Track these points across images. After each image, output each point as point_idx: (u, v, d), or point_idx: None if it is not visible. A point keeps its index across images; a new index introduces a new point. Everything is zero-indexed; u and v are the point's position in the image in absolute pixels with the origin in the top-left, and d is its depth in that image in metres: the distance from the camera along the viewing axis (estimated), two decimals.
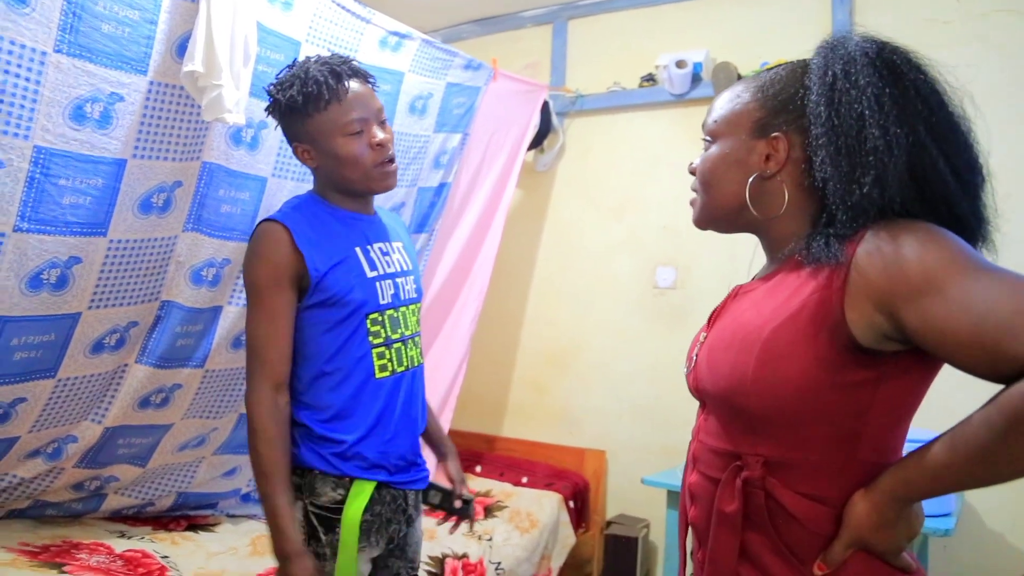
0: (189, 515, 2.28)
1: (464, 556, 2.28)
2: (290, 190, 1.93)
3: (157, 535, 2.08)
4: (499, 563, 2.37)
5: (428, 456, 1.95)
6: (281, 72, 1.49)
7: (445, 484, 1.70)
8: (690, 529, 1.08)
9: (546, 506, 2.68)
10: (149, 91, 1.56)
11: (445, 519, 1.71)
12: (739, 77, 2.74)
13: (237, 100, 1.61)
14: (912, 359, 0.88)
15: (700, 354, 1.06)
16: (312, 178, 1.58)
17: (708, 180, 1.06)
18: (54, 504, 2.01)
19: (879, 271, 0.85)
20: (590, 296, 3.13)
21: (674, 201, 2.86)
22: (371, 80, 1.53)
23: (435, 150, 2.40)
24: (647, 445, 2.90)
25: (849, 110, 0.91)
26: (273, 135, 1.84)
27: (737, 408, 0.96)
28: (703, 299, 2.83)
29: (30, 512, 2.00)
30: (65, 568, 1.72)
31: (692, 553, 1.09)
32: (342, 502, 1.46)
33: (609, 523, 2.82)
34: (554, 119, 3.12)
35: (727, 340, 0.99)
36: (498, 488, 2.82)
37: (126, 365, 1.85)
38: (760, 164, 1.00)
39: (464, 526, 1.74)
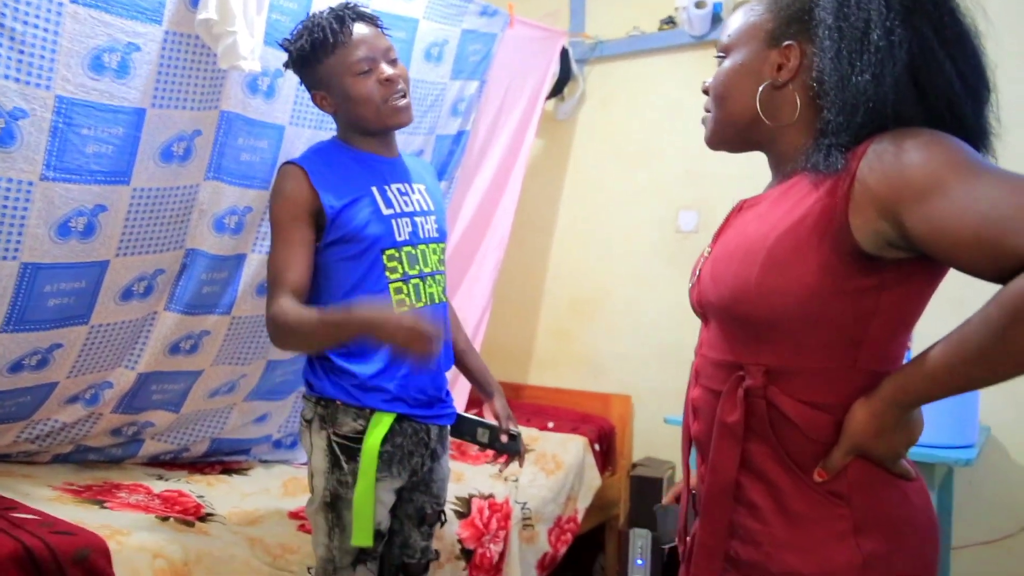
0: (224, 460, 2.36)
1: (491, 496, 2.33)
2: (307, 138, 1.95)
3: (193, 478, 2.17)
4: (525, 503, 2.42)
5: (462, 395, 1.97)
6: (294, 28, 1.54)
7: (491, 421, 1.74)
8: (693, 444, 1.11)
9: (571, 449, 2.72)
10: (165, 40, 1.59)
11: (495, 458, 1.75)
12: None
13: (252, 47, 1.64)
14: (915, 266, 0.89)
15: (704, 268, 1.08)
16: (333, 126, 1.63)
17: (721, 93, 1.06)
18: (95, 449, 2.10)
19: (882, 176, 0.86)
20: (613, 242, 3.13)
21: (696, 144, 2.78)
22: (378, 22, 1.56)
23: (452, 97, 2.41)
24: (672, 388, 2.91)
25: (857, 11, 0.91)
26: (289, 84, 1.87)
27: (740, 317, 0.97)
28: None
29: (73, 457, 2.09)
30: (106, 504, 1.80)
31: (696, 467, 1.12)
32: (362, 432, 1.52)
33: (635, 465, 2.85)
34: (573, 66, 3.09)
35: (731, 251, 1.00)
36: (524, 433, 2.80)
37: (155, 312, 1.91)
38: (772, 73, 1.00)
39: (518, 467, 1.77)
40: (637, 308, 3.05)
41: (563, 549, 2.56)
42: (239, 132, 1.82)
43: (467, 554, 2.15)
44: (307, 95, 1.61)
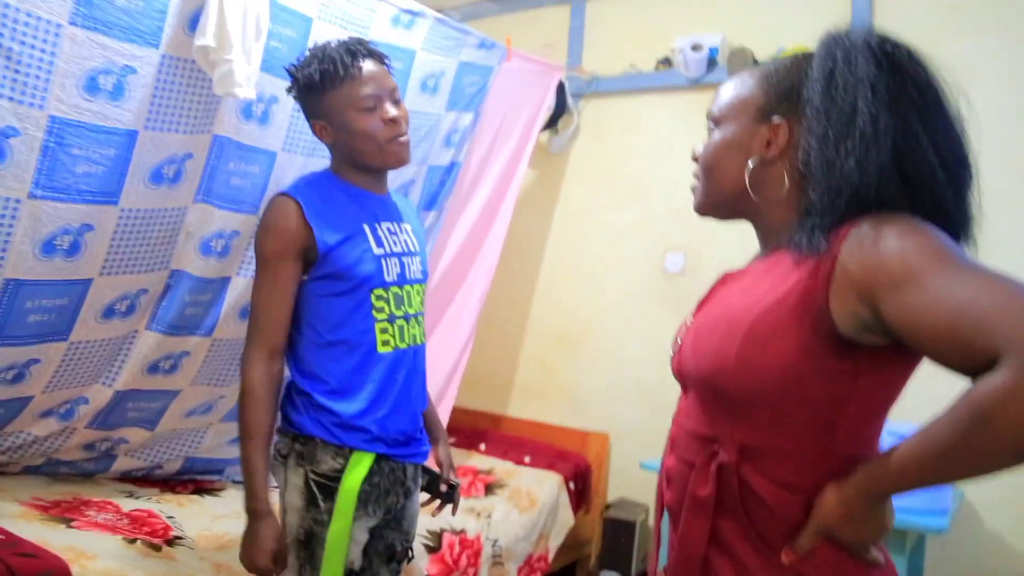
0: (196, 479, 2.34)
1: (462, 531, 2.32)
2: (299, 164, 1.96)
3: (164, 496, 2.15)
4: (496, 540, 2.41)
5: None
6: (302, 54, 1.54)
7: (433, 468, 1.75)
8: (666, 512, 1.11)
9: (546, 486, 2.72)
10: (161, 64, 1.60)
11: (430, 501, 1.76)
12: (755, 62, 2.73)
13: (248, 75, 1.65)
14: (892, 353, 0.90)
15: (685, 338, 1.08)
16: (325, 153, 1.63)
17: (710, 164, 1.08)
18: (67, 463, 2.08)
19: (861, 262, 0.87)
20: (600, 279, 3.15)
21: (686, 186, 2.81)
22: (386, 61, 1.58)
23: (446, 129, 2.42)
24: (650, 430, 2.92)
25: (844, 96, 0.93)
26: (284, 110, 1.87)
27: (717, 390, 0.98)
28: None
29: (44, 469, 2.07)
30: (73, 523, 1.78)
31: (668, 536, 1.12)
32: (341, 471, 1.51)
33: (609, 506, 2.85)
34: (569, 100, 3.12)
35: (712, 324, 1.01)
36: (500, 467, 2.86)
37: (136, 331, 1.90)
38: (761, 148, 1.02)
39: (447, 510, 1.79)
40: (620, 346, 3.06)
41: None
42: (231, 156, 1.82)
43: None
44: (302, 122, 1.62)
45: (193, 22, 1.59)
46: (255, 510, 1.46)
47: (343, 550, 1.50)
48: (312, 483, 1.52)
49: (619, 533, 2.68)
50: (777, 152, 1.00)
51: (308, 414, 1.53)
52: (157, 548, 1.78)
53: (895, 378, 0.94)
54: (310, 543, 1.51)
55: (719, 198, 1.08)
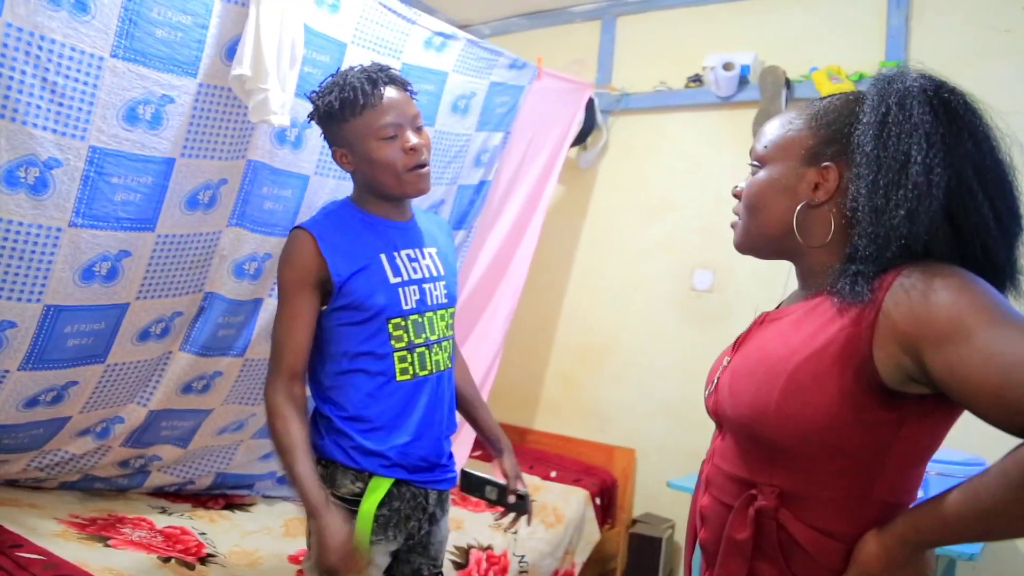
0: (227, 494, 2.37)
1: (489, 548, 2.33)
2: (331, 188, 1.98)
3: (196, 512, 2.18)
4: (523, 556, 2.42)
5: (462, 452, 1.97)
6: (324, 80, 1.55)
7: (500, 480, 1.74)
8: (698, 548, 1.11)
9: (573, 502, 2.72)
10: (198, 93, 1.62)
11: (503, 515, 1.75)
12: (787, 82, 2.71)
13: (283, 102, 1.66)
14: (935, 403, 0.89)
15: (722, 378, 1.07)
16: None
17: (755, 204, 1.06)
18: (102, 479, 2.12)
19: (908, 313, 0.86)
20: (627, 295, 3.14)
21: (715, 203, 2.85)
22: (408, 88, 1.57)
23: (476, 149, 2.43)
24: (676, 445, 2.91)
25: (898, 143, 0.91)
26: (316, 134, 1.89)
27: (757, 437, 0.97)
28: (740, 303, 2.83)
29: (80, 484, 2.11)
30: (110, 542, 1.82)
31: (700, 571, 1.12)
32: (360, 495, 1.52)
33: (634, 521, 2.85)
34: (598, 116, 3.12)
35: (751, 368, 1.00)
36: (526, 481, 2.84)
37: (170, 353, 1.93)
38: (809, 192, 1.00)
39: (523, 521, 1.76)
40: (646, 362, 3.06)
41: None
42: (264, 181, 1.85)
43: None
44: None
45: (231, 50, 1.62)
46: (312, 509, 1.42)
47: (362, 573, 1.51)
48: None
49: (645, 548, 2.68)
50: (825, 197, 0.99)
51: (328, 436, 1.55)
52: (191, 567, 1.81)
53: (937, 427, 0.93)
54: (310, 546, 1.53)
55: (761, 238, 1.07)
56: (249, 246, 1.89)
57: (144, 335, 1.83)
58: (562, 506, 2.68)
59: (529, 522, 1.77)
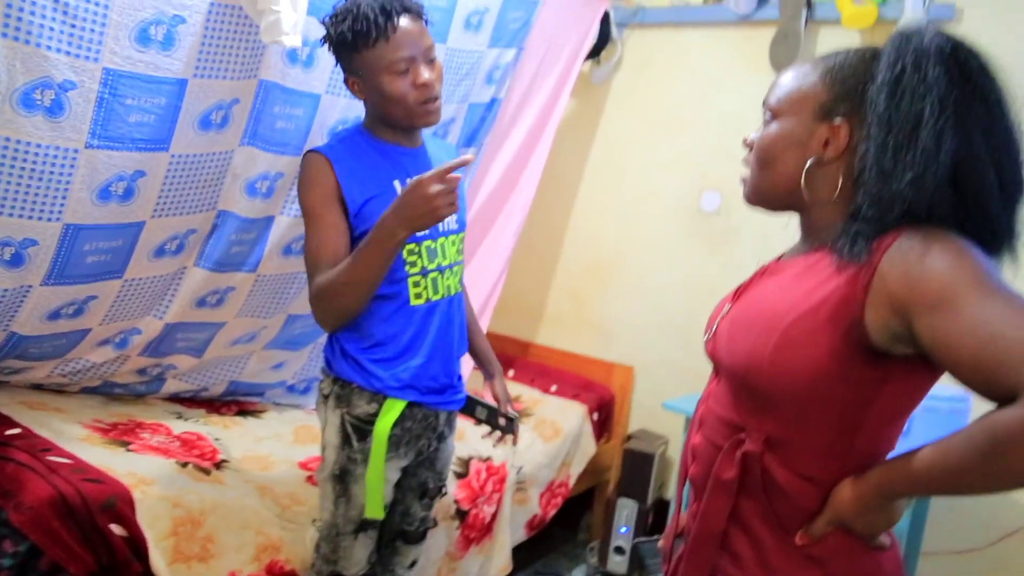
0: (239, 400, 2.47)
1: (488, 459, 2.44)
2: (342, 107, 1.98)
3: (210, 418, 2.29)
4: (521, 467, 2.54)
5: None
6: (337, 2, 1.53)
7: (491, 402, 1.83)
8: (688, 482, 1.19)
9: (571, 417, 2.82)
10: (209, 13, 1.60)
11: (490, 434, 1.84)
12: (808, 1, 2.63)
13: (295, 22, 1.64)
14: (919, 363, 0.93)
15: (721, 326, 1.12)
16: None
17: (765, 157, 1.07)
18: (121, 385, 2.21)
19: (901, 277, 0.89)
20: (634, 213, 3.15)
21: (727, 124, 2.82)
22: (423, 14, 1.55)
23: (488, 66, 2.40)
24: (673, 365, 2.99)
25: (910, 105, 0.92)
26: (327, 53, 1.85)
27: (749, 386, 1.03)
28: (746, 226, 2.83)
29: (100, 389, 2.21)
30: (131, 447, 1.92)
31: (689, 503, 1.20)
32: (375, 415, 1.60)
33: (630, 437, 2.96)
34: (613, 30, 3.03)
35: (749, 319, 1.04)
36: (527, 394, 2.96)
37: (185, 268, 1.98)
38: (819, 148, 1.01)
39: (508, 441, 1.84)
40: (650, 280, 3.10)
41: (552, 512, 2.69)
42: (276, 100, 1.84)
43: (461, 514, 2.28)
44: None
45: None
46: (389, 225, 1.42)
47: (380, 489, 1.61)
48: (348, 424, 1.62)
49: (638, 463, 2.80)
50: (835, 154, 1.00)
51: (345, 359, 1.61)
52: (207, 472, 1.92)
53: (920, 385, 0.98)
54: (344, 478, 1.63)
55: (770, 191, 1.09)
56: (261, 165, 1.90)
57: (160, 252, 1.87)
58: (560, 420, 2.79)
59: (515, 443, 1.86)
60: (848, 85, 1.00)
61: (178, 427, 2.14)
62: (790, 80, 1.06)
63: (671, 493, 2.96)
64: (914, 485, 0.92)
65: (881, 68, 0.96)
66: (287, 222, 2.05)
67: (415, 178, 1.42)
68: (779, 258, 1.15)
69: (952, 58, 0.92)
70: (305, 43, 1.80)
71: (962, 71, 0.92)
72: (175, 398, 2.35)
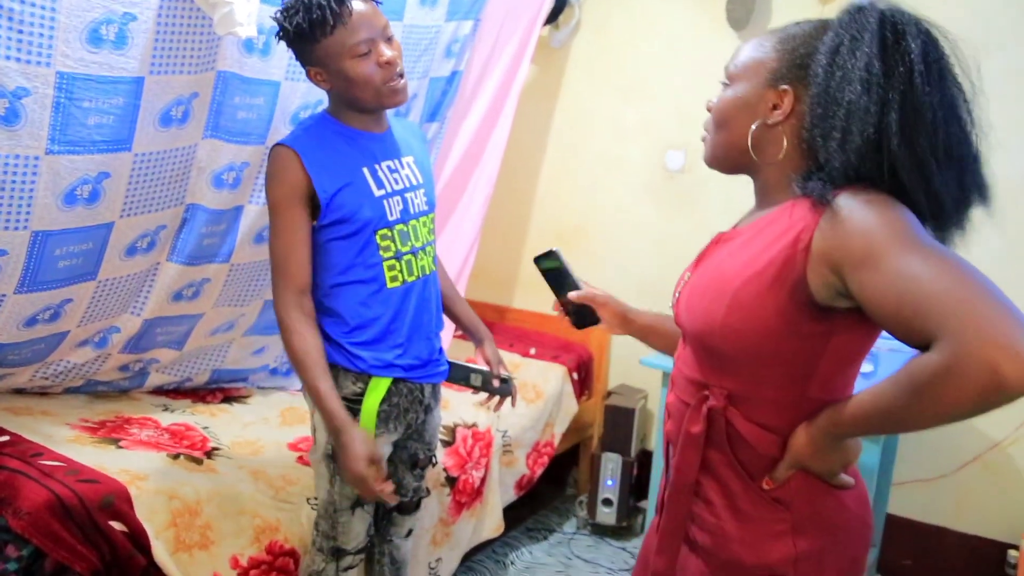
0: (224, 387, 2.50)
1: (474, 425, 2.50)
2: (303, 92, 1.98)
3: (196, 408, 2.32)
4: (506, 431, 2.60)
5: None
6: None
7: (483, 367, 1.87)
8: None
9: (551, 378, 2.89)
10: (160, 8, 1.59)
11: (489, 399, 1.89)
12: None
13: (248, 12, 1.64)
14: (861, 316, 0.99)
15: (683, 293, 1.19)
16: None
17: (719, 121, 1.13)
18: (104, 382, 2.23)
19: (832, 237, 0.96)
20: (600, 175, 3.18)
21: (688, 86, 2.85)
22: None
23: (446, 39, 2.40)
24: None
25: (842, 73, 0.98)
26: None
27: (708, 347, 1.10)
28: (711, 183, 2.88)
29: (84, 388, 2.23)
30: (121, 443, 1.95)
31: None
32: (362, 394, 1.65)
33: (610, 393, 3.04)
34: None
35: (704, 286, 1.12)
36: (507, 359, 2.95)
37: (158, 264, 1.99)
38: (766, 112, 1.07)
39: (508, 403, 1.91)
40: (620, 242, 3.14)
41: (540, 471, 2.77)
42: (235, 91, 1.84)
43: (451, 481, 2.34)
44: None
45: None
46: (336, 427, 1.54)
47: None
48: None
49: (619, 418, 2.87)
50: (780, 117, 1.06)
51: (329, 343, 1.65)
52: (199, 461, 1.95)
53: (865, 336, 1.06)
54: (337, 457, 1.67)
55: (724, 153, 1.15)
56: (226, 156, 1.91)
57: (131, 250, 1.88)
58: (541, 383, 2.85)
59: (514, 403, 1.92)
60: (799, 54, 1.05)
61: (166, 419, 2.17)
62: (749, 49, 1.13)
63: (653, 444, 3.05)
64: (855, 425, 1.01)
65: (825, 40, 1.02)
66: (256, 211, 2.06)
67: (355, 451, 1.53)
68: (735, 226, 1.20)
69: (890, 26, 0.97)
70: (260, 31, 1.79)
71: (895, 36, 0.97)
72: (160, 391, 2.37)
